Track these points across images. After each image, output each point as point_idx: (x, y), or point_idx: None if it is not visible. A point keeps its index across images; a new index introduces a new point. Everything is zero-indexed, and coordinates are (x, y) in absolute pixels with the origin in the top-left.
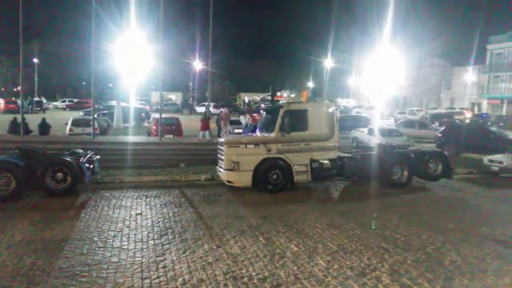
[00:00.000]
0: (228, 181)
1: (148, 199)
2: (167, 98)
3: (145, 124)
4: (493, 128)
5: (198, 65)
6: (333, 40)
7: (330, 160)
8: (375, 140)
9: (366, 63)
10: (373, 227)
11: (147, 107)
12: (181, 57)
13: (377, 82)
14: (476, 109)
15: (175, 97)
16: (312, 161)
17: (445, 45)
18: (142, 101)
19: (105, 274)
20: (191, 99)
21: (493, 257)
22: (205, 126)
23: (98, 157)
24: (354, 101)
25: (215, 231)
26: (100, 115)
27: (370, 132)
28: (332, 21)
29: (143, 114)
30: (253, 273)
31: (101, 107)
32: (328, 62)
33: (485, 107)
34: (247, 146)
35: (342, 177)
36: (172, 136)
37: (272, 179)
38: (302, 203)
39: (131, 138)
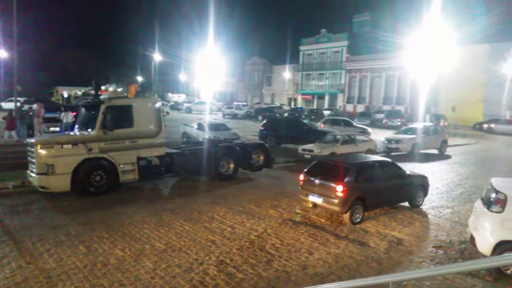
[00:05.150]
0: (42, 187)
1: None
2: None
3: None
4: (306, 121)
5: (2, 53)
6: (161, 34)
7: (158, 157)
8: (204, 135)
9: (194, 58)
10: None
11: None
12: None
13: (205, 78)
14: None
15: None
16: (139, 159)
17: (264, 44)
18: None
19: None
20: None
21: (306, 236)
22: (11, 125)
23: None
24: (185, 96)
25: (26, 245)
26: None
27: (200, 127)
28: (159, 14)
29: None
30: (71, 287)
31: None
32: (156, 56)
33: (299, 102)
34: (64, 146)
35: (172, 174)
36: None
37: (94, 181)
38: (129, 204)
39: None
